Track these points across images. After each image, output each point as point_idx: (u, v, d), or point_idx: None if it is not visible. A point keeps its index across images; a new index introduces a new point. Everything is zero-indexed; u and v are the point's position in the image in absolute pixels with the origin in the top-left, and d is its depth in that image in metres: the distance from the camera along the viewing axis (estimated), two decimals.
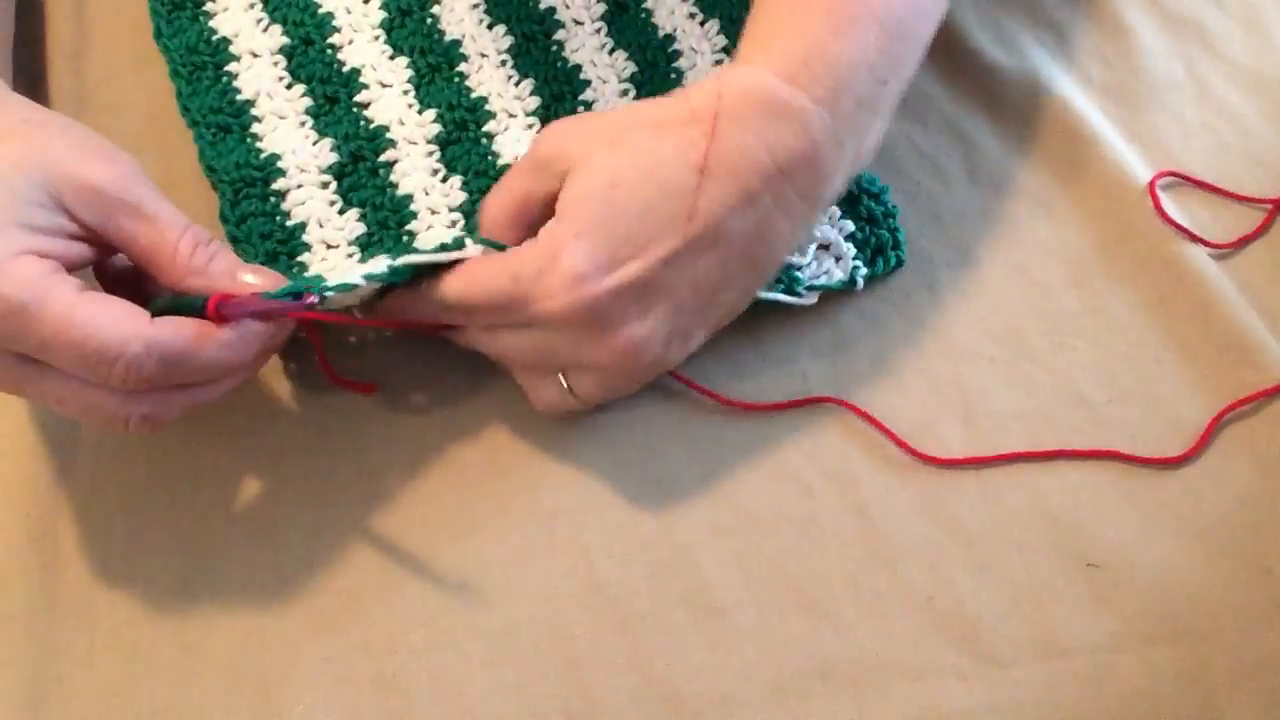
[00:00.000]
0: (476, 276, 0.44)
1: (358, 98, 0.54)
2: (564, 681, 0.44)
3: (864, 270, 0.51)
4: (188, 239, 0.42)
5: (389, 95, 0.54)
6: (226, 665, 0.44)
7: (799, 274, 0.50)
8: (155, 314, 0.40)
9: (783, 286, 0.50)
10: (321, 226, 0.51)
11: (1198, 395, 0.50)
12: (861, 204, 0.52)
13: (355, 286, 0.43)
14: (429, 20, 0.55)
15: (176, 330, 0.40)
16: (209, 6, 0.56)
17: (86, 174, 0.40)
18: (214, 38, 0.55)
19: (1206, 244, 0.53)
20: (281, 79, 0.54)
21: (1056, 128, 0.56)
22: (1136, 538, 0.47)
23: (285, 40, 0.55)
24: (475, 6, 0.56)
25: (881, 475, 0.48)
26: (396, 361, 0.50)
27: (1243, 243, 0.54)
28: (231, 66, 0.54)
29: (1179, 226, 0.53)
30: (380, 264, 0.44)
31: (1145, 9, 0.60)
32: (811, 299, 0.50)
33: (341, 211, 0.52)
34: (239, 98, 0.53)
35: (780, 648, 0.45)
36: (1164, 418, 0.50)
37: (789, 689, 0.44)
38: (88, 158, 0.41)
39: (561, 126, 0.46)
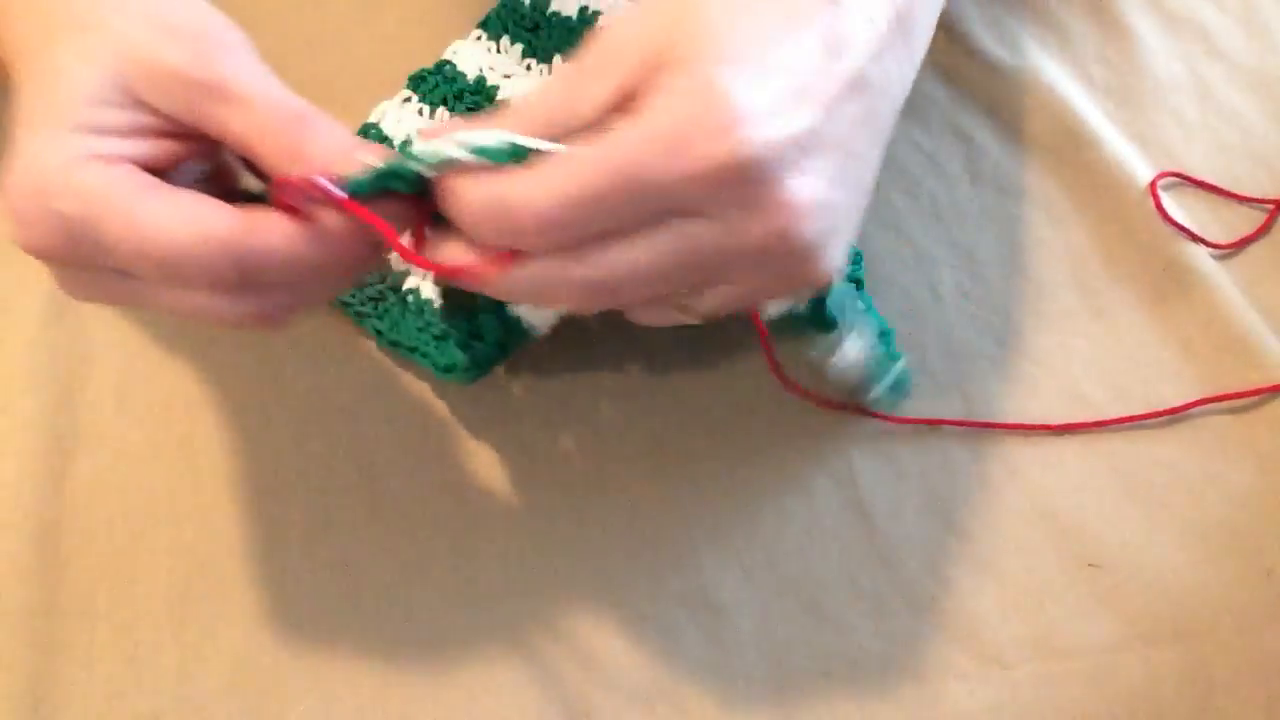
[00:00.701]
0: (586, 153, 0.33)
1: None
2: (563, 685, 0.44)
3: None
4: (279, 117, 0.35)
5: None
6: (227, 666, 0.44)
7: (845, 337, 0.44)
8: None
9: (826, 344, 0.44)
10: None
11: (1198, 395, 0.50)
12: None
13: (454, 160, 0.34)
14: None
15: (245, 223, 0.34)
16: None
17: (163, 58, 0.35)
18: None
19: (1207, 244, 0.53)
20: None
21: (1058, 127, 0.56)
22: (1138, 538, 0.47)
23: None
24: None
25: (882, 474, 0.48)
26: (386, 359, 0.50)
27: (1244, 243, 0.54)
28: None
29: (1180, 226, 0.53)
30: (490, 135, 0.34)
31: (1147, 9, 0.60)
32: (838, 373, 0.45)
33: None
34: None
35: (781, 647, 0.45)
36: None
37: (789, 689, 0.44)
38: (167, 39, 0.35)
39: (636, 13, 0.35)
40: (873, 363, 0.45)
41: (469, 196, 0.34)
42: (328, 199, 0.34)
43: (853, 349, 0.44)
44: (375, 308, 0.48)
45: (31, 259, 0.51)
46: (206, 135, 0.36)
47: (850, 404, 0.48)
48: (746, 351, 0.50)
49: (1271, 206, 0.55)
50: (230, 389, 0.49)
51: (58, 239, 0.34)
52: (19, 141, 0.35)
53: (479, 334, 0.44)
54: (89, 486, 0.47)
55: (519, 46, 0.56)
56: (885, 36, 0.37)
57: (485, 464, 0.48)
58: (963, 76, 0.57)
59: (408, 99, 0.55)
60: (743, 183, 0.33)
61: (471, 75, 0.55)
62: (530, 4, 0.56)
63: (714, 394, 0.49)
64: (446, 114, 0.55)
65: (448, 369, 0.46)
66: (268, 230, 0.34)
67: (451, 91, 0.55)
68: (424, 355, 0.47)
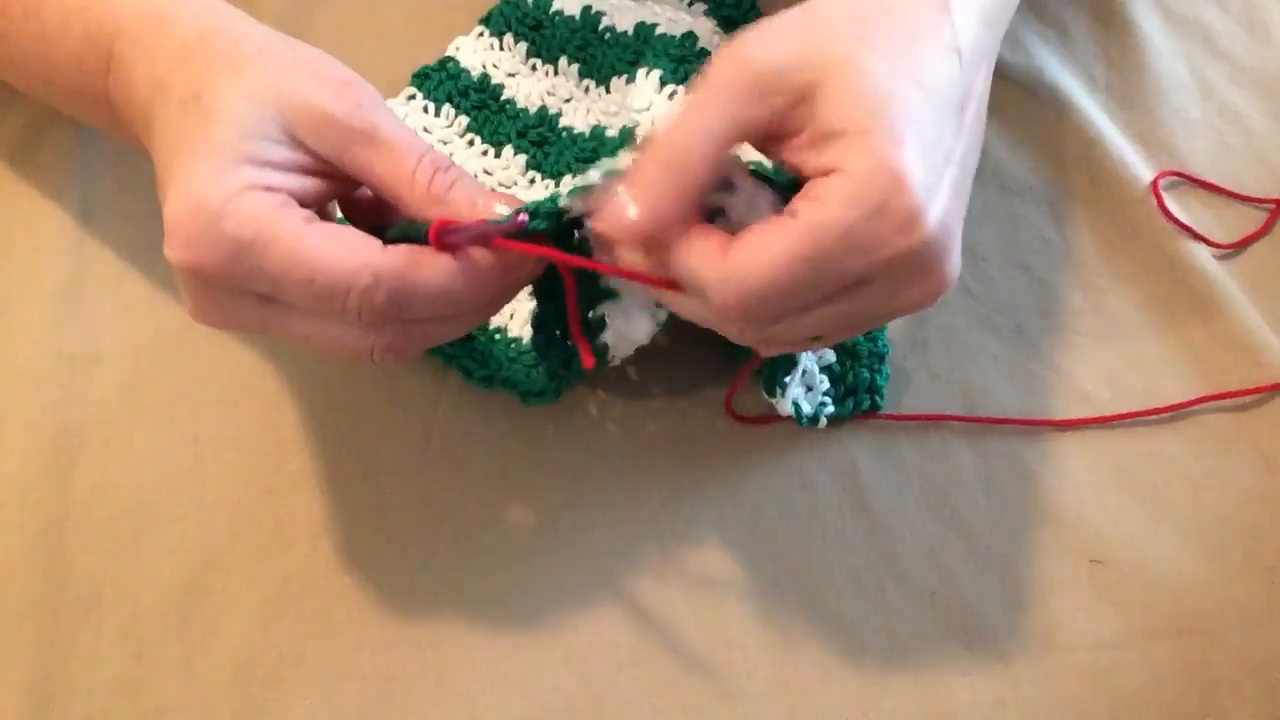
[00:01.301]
0: (779, 246, 0.34)
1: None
2: (567, 676, 0.44)
3: (830, 409, 0.48)
4: (425, 165, 0.39)
5: None
6: (231, 663, 0.44)
7: (790, 389, 0.47)
8: (388, 243, 0.38)
9: (763, 378, 0.47)
10: None
11: (1200, 393, 0.50)
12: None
13: (593, 185, 0.37)
14: (564, 135, 0.54)
15: (407, 259, 0.37)
16: None
17: (319, 103, 0.38)
18: None
19: (1209, 243, 0.53)
20: None
21: (1060, 127, 0.56)
22: (1140, 534, 0.47)
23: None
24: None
25: (884, 470, 0.48)
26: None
27: (1245, 242, 0.54)
28: None
29: (1182, 225, 0.53)
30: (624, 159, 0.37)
31: (1149, 9, 0.60)
32: (785, 410, 0.47)
33: None
34: None
35: (782, 642, 0.45)
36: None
37: (791, 683, 0.44)
38: (321, 86, 0.38)
39: (774, 33, 0.36)
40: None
41: (679, 256, 0.36)
42: (500, 242, 0.37)
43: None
44: (464, 347, 0.49)
45: (33, 260, 0.52)
46: (350, 177, 0.39)
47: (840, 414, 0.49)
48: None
49: (1273, 206, 0.55)
50: (235, 389, 0.49)
51: (222, 259, 0.36)
52: (183, 171, 0.37)
53: (568, 362, 0.45)
54: (94, 485, 0.47)
55: (523, 45, 0.56)
56: (985, 78, 0.40)
57: (487, 462, 0.48)
58: None
59: (412, 96, 0.55)
60: (920, 262, 0.35)
61: (475, 72, 0.56)
62: (533, 2, 0.57)
63: (716, 390, 0.49)
64: (451, 110, 0.55)
65: (539, 394, 0.48)
66: (424, 265, 0.37)
67: (456, 88, 0.55)
68: (515, 385, 0.48)
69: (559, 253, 0.38)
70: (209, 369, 0.49)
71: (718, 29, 0.54)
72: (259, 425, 0.49)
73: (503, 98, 0.55)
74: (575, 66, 0.55)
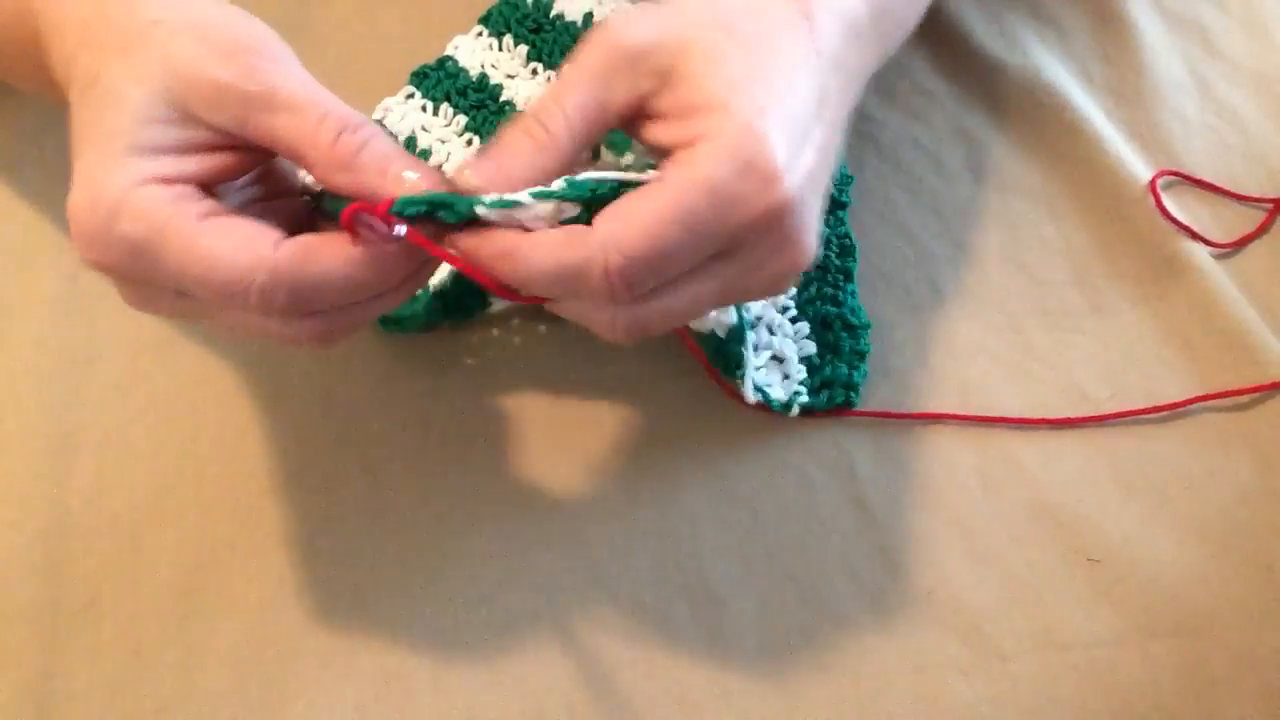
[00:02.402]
0: (651, 205, 0.35)
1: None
2: (565, 674, 0.44)
3: (804, 398, 0.48)
4: (329, 125, 0.36)
5: None
6: (230, 661, 0.44)
7: (747, 372, 0.47)
8: (326, 212, 0.37)
9: (737, 372, 0.47)
10: None
11: (1198, 391, 0.50)
12: (834, 331, 0.50)
13: (519, 204, 0.36)
14: None
15: (303, 252, 0.35)
16: None
17: (209, 73, 0.36)
18: None
19: (1207, 242, 0.53)
20: None
21: (1058, 125, 0.56)
22: (1137, 533, 0.47)
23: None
24: None
25: (882, 468, 0.48)
26: (388, 357, 0.50)
27: (1243, 241, 0.54)
28: None
29: (1180, 225, 0.53)
30: (556, 182, 0.37)
31: (1147, 8, 0.60)
32: (752, 397, 0.47)
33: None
34: None
35: (780, 639, 0.45)
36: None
37: (789, 680, 0.44)
38: (211, 53, 0.36)
39: (639, 18, 0.38)
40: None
41: (535, 254, 0.36)
42: (388, 233, 0.35)
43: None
44: None
45: (33, 260, 0.52)
46: (256, 150, 0.38)
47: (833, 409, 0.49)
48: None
49: (1270, 205, 0.55)
50: (233, 388, 0.49)
51: (122, 258, 0.36)
52: (80, 165, 0.36)
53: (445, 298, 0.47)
54: (93, 484, 0.47)
55: (523, 48, 0.56)
56: (848, 84, 0.41)
57: (485, 460, 0.48)
58: (964, 75, 0.58)
59: (410, 95, 0.55)
60: (782, 228, 0.36)
61: (474, 72, 0.56)
62: (533, 4, 0.57)
63: (713, 389, 0.49)
64: (450, 110, 0.55)
65: (398, 321, 0.48)
66: (320, 257, 0.35)
67: (454, 88, 0.55)
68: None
69: (453, 257, 0.37)
70: (207, 369, 0.50)
71: None
72: (258, 425, 0.49)
73: (501, 98, 0.55)
74: None
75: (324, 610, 0.45)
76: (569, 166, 0.37)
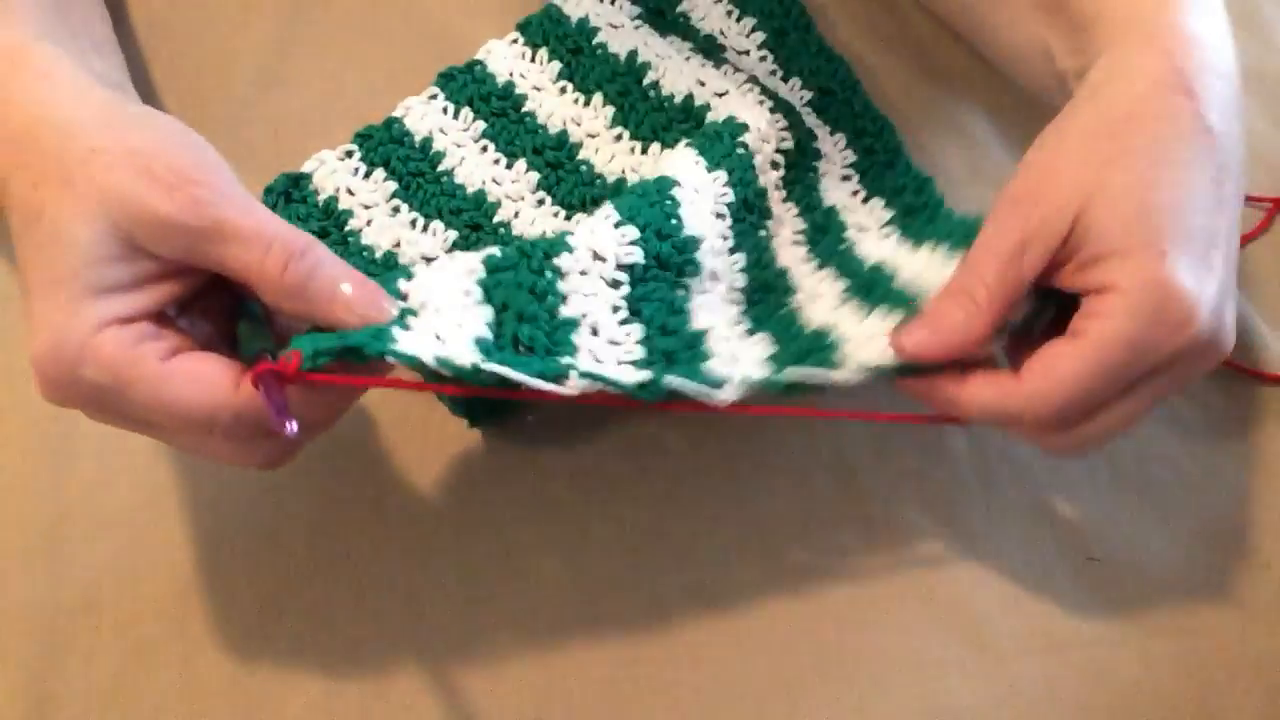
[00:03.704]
0: (1071, 364, 0.38)
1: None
2: (565, 675, 0.44)
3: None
4: (275, 256, 0.37)
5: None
6: (230, 662, 0.44)
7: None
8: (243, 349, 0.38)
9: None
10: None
11: (1198, 391, 0.50)
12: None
13: (420, 362, 0.37)
14: (582, 168, 0.53)
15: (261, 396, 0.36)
16: (352, 225, 0.51)
17: (153, 207, 0.36)
18: (373, 258, 0.50)
19: None
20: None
21: None
22: (1137, 532, 0.47)
23: (453, 235, 0.51)
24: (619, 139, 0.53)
25: (882, 469, 0.48)
26: None
27: (1243, 241, 0.54)
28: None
29: None
30: (463, 343, 0.38)
31: None
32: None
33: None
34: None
35: (780, 640, 0.45)
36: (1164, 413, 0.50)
37: (789, 680, 0.44)
38: (153, 186, 0.36)
39: (1034, 181, 0.40)
40: None
41: (973, 403, 0.40)
42: (280, 422, 0.35)
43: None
44: None
45: None
46: (203, 273, 0.38)
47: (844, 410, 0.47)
48: None
49: (1270, 205, 0.55)
50: None
51: (86, 402, 0.37)
52: (37, 310, 0.36)
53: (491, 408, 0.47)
54: (92, 483, 0.47)
55: (556, 65, 0.55)
56: (1243, 133, 0.42)
57: (486, 459, 0.48)
58: (964, 76, 0.58)
59: (434, 96, 0.55)
60: (1200, 349, 0.38)
61: (501, 79, 0.55)
62: (576, 25, 0.56)
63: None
64: (470, 115, 0.54)
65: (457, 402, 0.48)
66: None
67: (479, 93, 0.54)
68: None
69: (376, 380, 0.39)
70: None
71: (775, 114, 0.52)
72: None
73: (523, 109, 0.54)
74: (610, 110, 0.54)
75: (324, 610, 0.45)
76: (991, 334, 0.40)
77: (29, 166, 0.37)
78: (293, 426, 0.35)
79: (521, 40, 0.56)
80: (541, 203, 0.52)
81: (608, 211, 0.45)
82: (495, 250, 0.42)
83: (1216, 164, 0.39)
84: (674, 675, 0.44)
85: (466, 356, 0.37)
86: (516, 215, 0.52)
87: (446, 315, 0.39)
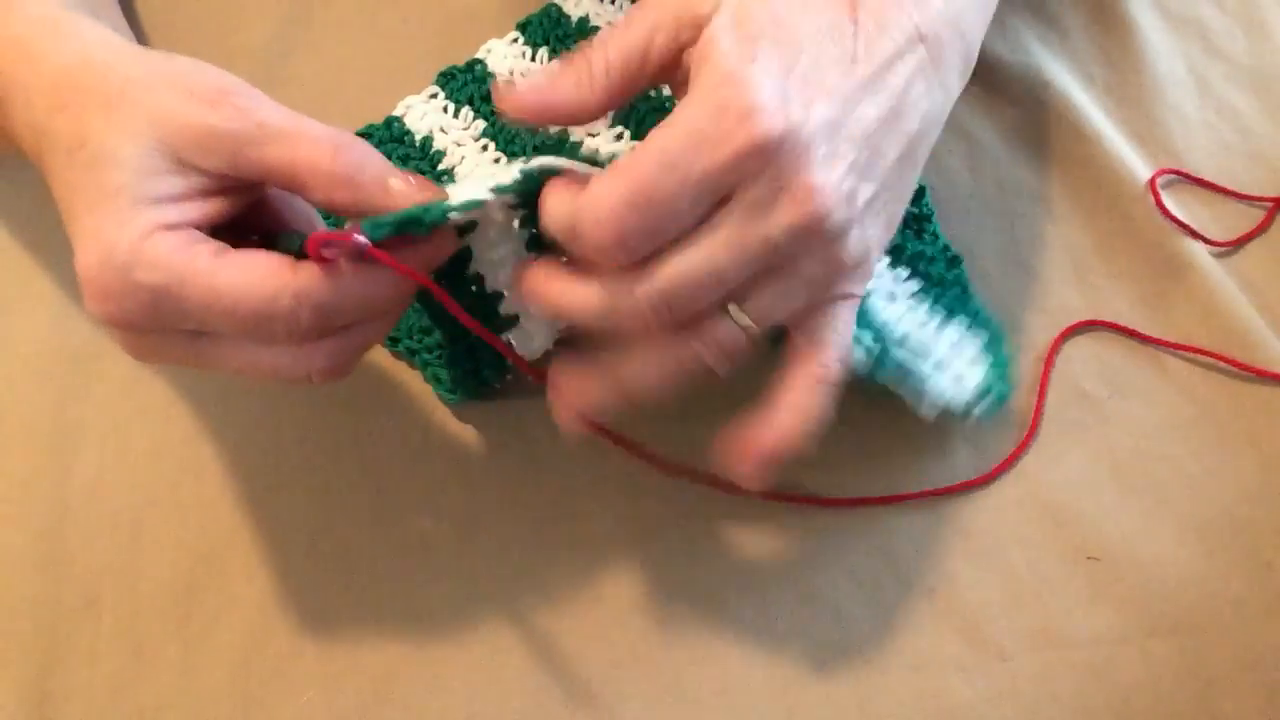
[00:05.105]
0: (630, 159, 0.35)
1: None
2: (565, 674, 0.44)
3: (982, 401, 0.47)
4: (323, 147, 0.38)
5: None
6: (230, 660, 0.44)
7: (928, 385, 0.45)
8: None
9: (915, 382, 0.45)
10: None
11: (1198, 390, 0.50)
12: (983, 340, 0.48)
13: (482, 202, 0.38)
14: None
15: (320, 273, 0.37)
16: None
17: (198, 119, 0.37)
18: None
19: (1207, 241, 0.53)
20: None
21: (1058, 124, 0.56)
22: (1137, 532, 0.47)
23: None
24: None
25: (880, 467, 0.48)
26: (388, 358, 0.50)
27: (1243, 240, 0.54)
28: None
29: (1179, 223, 0.53)
30: (511, 170, 0.38)
31: (1147, 8, 0.60)
32: (933, 410, 0.46)
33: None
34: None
35: (779, 638, 0.45)
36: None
37: (790, 681, 0.44)
38: (195, 101, 0.38)
39: None
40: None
41: (549, 213, 0.37)
42: (355, 251, 0.36)
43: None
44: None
45: (33, 259, 0.52)
46: (248, 188, 0.39)
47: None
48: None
49: (1270, 204, 0.55)
50: (234, 387, 0.49)
51: (142, 308, 0.36)
52: (85, 224, 0.37)
53: (476, 370, 0.47)
54: (94, 482, 0.47)
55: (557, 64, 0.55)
56: (903, 48, 0.39)
57: (485, 458, 0.48)
58: None
59: (434, 95, 0.55)
60: (766, 163, 0.35)
61: (502, 78, 0.55)
62: (576, 24, 0.56)
63: (711, 386, 0.49)
64: (470, 113, 0.54)
65: (452, 392, 0.48)
66: (338, 274, 0.37)
67: (479, 92, 0.55)
68: (425, 364, 0.49)
69: (421, 277, 0.38)
70: None
71: None
72: (258, 423, 0.49)
73: None
74: None
75: (324, 610, 0.45)
76: (603, 108, 0.38)
77: (69, 105, 0.38)
78: (362, 239, 0.36)
79: (521, 39, 0.56)
80: None
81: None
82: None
83: (855, 44, 0.38)
84: (674, 674, 0.44)
85: (512, 173, 0.38)
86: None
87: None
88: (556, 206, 0.37)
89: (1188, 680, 0.44)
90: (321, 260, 0.36)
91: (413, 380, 0.50)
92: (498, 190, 0.38)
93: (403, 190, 0.38)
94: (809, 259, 0.38)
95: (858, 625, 0.45)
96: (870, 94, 0.38)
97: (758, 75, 0.35)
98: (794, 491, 0.47)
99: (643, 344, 0.39)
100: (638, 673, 0.44)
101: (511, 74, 0.55)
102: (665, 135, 0.35)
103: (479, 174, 0.41)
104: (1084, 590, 0.46)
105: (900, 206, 0.41)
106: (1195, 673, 0.44)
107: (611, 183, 0.35)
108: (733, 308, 0.38)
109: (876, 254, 0.40)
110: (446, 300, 0.39)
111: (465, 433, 0.49)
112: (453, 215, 0.37)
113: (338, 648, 0.44)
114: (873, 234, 0.40)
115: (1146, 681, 0.44)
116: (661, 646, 0.45)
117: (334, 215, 0.41)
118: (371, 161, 0.38)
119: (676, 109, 0.36)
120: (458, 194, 0.39)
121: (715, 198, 0.36)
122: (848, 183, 0.37)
